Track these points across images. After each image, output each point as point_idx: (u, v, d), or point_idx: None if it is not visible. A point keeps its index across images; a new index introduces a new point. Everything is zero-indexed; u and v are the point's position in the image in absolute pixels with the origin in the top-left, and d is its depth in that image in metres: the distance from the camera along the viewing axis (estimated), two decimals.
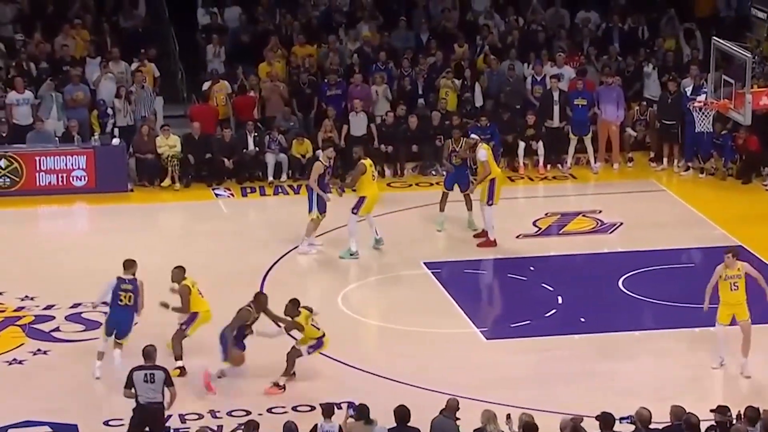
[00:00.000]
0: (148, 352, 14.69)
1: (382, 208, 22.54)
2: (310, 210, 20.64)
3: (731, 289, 16.25)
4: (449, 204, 21.58)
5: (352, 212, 20.49)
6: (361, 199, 20.54)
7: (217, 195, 23.83)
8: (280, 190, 24.05)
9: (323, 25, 27.25)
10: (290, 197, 23.73)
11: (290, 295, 18.84)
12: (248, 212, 23.50)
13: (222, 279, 19.04)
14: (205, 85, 25.38)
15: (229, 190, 24.02)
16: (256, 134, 24.55)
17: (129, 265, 16.66)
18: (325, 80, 25.58)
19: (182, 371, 16.55)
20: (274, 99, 25.33)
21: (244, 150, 24.41)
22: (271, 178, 24.29)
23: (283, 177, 24.37)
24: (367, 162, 20.81)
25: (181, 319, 16.90)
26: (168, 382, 14.48)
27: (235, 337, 16.32)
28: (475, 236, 21.20)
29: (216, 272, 19.17)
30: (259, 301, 16.67)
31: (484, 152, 20.91)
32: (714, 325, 16.68)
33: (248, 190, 24.04)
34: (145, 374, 14.43)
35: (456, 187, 21.50)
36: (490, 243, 20.87)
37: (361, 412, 13.79)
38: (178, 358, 16.73)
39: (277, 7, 27.57)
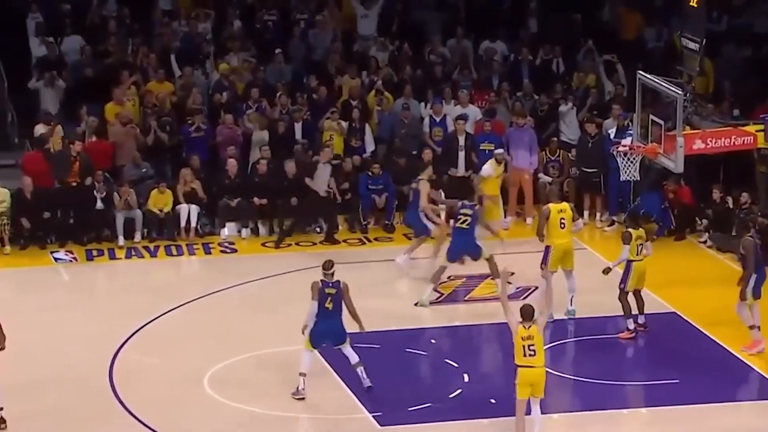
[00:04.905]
0: None
1: (253, 273, 22.29)
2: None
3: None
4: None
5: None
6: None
7: (56, 259, 23.58)
8: (133, 253, 23.87)
9: (185, 56, 27.13)
10: (145, 261, 23.59)
11: (144, 382, 18.28)
12: (94, 280, 23.28)
13: (59, 365, 18.73)
14: (40, 129, 24.90)
15: (72, 253, 23.71)
16: (105, 186, 24.17)
17: None
18: (188, 121, 25.33)
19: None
20: (128, 145, 25.05)
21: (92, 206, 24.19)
22: (121, 239, 23.84)
23: (137, 237, 24.15)
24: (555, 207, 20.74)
25: None
26: None
27: None
28: None
29: (53, 357, 18.84)
30: None
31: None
32: None
33: (94, 253, 23.74)
34: None
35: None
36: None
37: None
38: None
39: (130, 36, 27.48)
